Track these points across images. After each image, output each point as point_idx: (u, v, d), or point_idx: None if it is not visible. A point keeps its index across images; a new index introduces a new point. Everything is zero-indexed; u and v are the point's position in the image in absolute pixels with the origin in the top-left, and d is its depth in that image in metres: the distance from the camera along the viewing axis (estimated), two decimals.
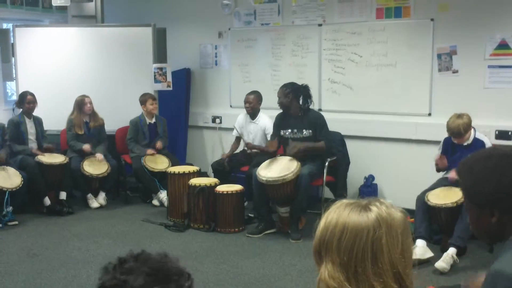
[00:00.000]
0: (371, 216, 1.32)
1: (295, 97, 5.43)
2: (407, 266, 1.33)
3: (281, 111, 5.62)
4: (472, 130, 4.81)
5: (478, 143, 4.76)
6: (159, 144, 6.45)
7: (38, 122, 6.40)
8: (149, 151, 6.39)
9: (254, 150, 5.95)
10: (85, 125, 6.45)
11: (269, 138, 5.90)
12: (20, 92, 6.45)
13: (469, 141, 4.80)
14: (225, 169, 6.11)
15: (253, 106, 6.04)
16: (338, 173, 5.72)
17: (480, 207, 1.64)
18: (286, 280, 4.30)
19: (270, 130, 5.88)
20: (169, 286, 1.19)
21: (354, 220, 1.32)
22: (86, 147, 6.31)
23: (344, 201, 1.41)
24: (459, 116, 4.73)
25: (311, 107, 5.56)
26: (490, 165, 1.63)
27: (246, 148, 6.10)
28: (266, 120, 6.05)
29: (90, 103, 6.43)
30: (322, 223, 1.39)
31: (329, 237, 1.34)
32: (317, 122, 5.42)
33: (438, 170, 5.00)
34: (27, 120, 6.28)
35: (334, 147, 5.70)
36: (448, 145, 4.95)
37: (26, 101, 6.21)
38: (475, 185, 1.65)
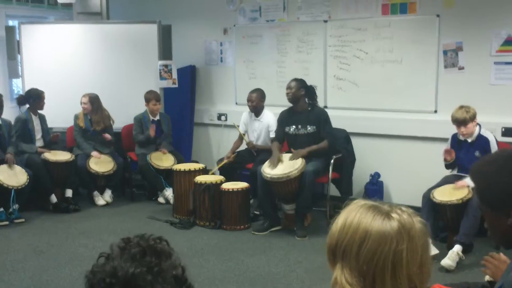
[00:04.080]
0: (394, 226, 1.29)
1: (306, 93, 5.45)
2: (424, 280, 1.32)
3: (285, 108, 5.62)
4: (477, 126, 4.79)
5: (482, 140, 4.75)
6: (164, 151, 6.44)
7: (42, 119, 6.40)
8: (163, 151, 6.43)
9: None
10: (89, 121, 6.44)
11: (271, 135, 5.90)
12: (26, 89, 6.46)
13: (474, 138, 4.79)
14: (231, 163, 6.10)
15: (255, 105, 6.03)
16: (343, 170, 5.71)
17: (494, 210, 1.65)
18: (292, 277, 4.30)
19: (273, 127, 5.89)
20: None
21: (377, 228, 1.29)
22: (95, 154, 6.32)
23: (365, 202, 1.37)
24: (462, 106, 4.76)
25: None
26: (498, 167, 1.64)
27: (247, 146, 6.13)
28: (270, 117, 6.03)
29: (85, 103, 6.37)
30: (340, 222, 1.35)
31: (348, 242, 1.31)
32: (321, 118, 5.44)
33: (447, 166, 4.98)
34: (34, 117, 6.28)
35: (339, 144, 5.69)
36: (455, 142, 4.95)
37: (43, 98, 6.21)
38: (486, 188, 1.66)
